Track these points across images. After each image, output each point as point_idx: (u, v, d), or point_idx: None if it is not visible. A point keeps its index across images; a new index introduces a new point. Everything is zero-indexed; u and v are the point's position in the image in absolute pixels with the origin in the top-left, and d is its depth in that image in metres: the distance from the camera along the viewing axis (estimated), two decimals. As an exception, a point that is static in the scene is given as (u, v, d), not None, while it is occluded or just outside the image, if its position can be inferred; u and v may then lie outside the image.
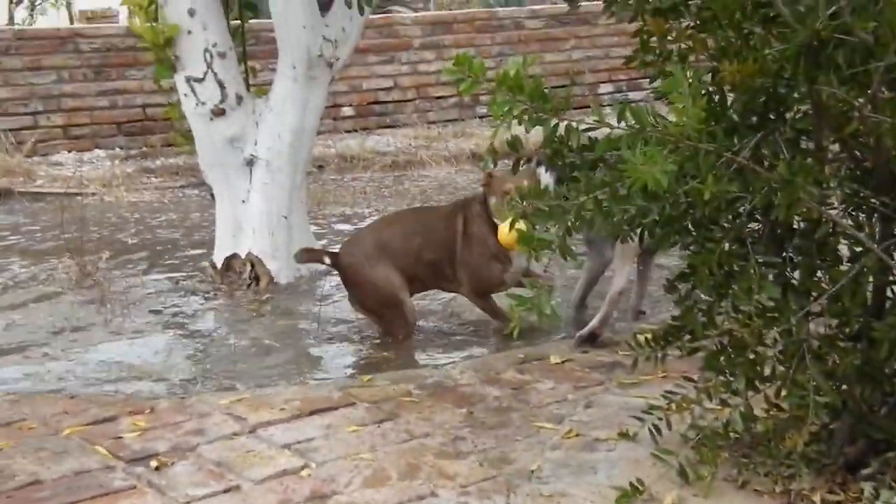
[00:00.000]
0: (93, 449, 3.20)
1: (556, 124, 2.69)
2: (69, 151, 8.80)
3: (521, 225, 2.79)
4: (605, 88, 11.03)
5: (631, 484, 2.76)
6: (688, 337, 3.00)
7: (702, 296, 2.89)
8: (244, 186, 5.33)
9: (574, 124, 2.74)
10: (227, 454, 3.16)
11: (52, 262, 5.64)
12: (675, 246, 2.97)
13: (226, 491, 2.94)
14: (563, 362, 3.84)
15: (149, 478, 3.02)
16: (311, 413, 3.44)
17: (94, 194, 7.45)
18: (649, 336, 3.15)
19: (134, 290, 5.21)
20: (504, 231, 3.86)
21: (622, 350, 3.62)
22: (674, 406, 2.95)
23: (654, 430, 2.98)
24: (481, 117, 10.31)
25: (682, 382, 3.04)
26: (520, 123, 2.63)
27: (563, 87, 3.16)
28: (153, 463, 3.10)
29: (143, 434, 3.30)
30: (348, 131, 9.62)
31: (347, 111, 10.05)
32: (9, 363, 4.22)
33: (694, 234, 2.87)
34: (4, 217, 6.98)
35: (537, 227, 2.71)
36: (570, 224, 2.67)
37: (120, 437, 3.28)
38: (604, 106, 3.10)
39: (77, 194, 7.26)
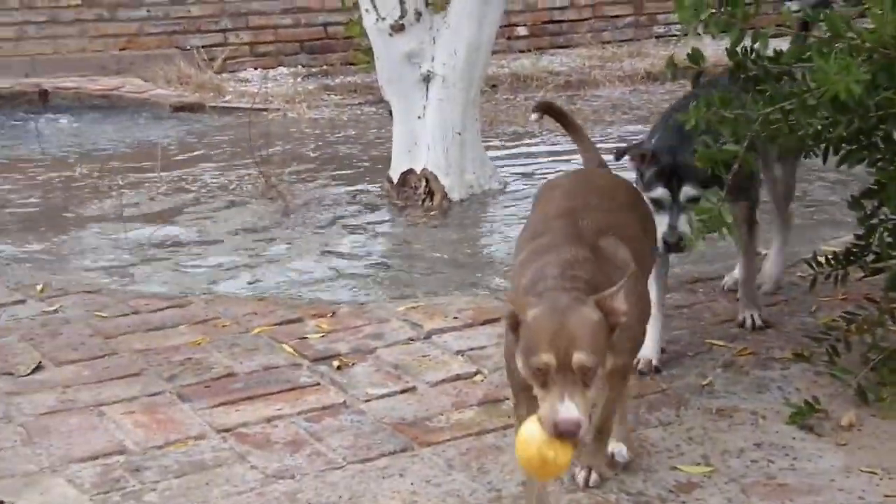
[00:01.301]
0: (280, 347, 3.40)
1: (743, 31, 2.61)
2: (255, 68, 9.13)
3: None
4: (792, 6, 10.54)
5: (806, 401, 2.73)
6: (871, 256, 2.92)
7: (889, 213, 2.79)
8: (420, 102, 5.42)
9: (764, 29, 2.65)
10: (403, 357, 3.30)
11: (240, 173, 5.92)
12: (862, 162, 2.86)
13: (402, 391, 3.07)
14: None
15: (331, 376, 3.19)
16: (484, 322, 3.53)
17: (277, 110, 7.72)
18: (830, 256, 3.08)
19: (315, 202, 5.42)
20: (528, 443, 2.08)
21: (801, 271, 3.54)
22: (854, 327, 2.89)
23: (831, 351, 2.93)
24: (657, 37, 10.04)
25: (864, 303, 2.96)
26: (707, 28, 2.57)
27: (750, 4, 3.00)
28: (335, 363, 3.27)
29: (325, 336, 3.48)
30: (522, 51, 9.57)
31: (522, 31, 9.98)
32: (202, 266, 4.50)
33: (883, 148, 2.76)
34: (197, 129, 7.33)
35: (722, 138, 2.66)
36: (754, 134, 2.61)
37: (305, 338, 3.47)
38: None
39: (262, 110, 7.55)
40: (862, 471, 2.50)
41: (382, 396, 3.04)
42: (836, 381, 2.85)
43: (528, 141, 6.76)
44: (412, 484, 2.56)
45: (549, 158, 6.21)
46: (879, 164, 2.80)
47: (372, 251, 4.67)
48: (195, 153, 6.66)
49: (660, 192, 3.03)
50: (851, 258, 2.98)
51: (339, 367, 3.24)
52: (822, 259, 3.07)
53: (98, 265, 4.52)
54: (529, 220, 2.66)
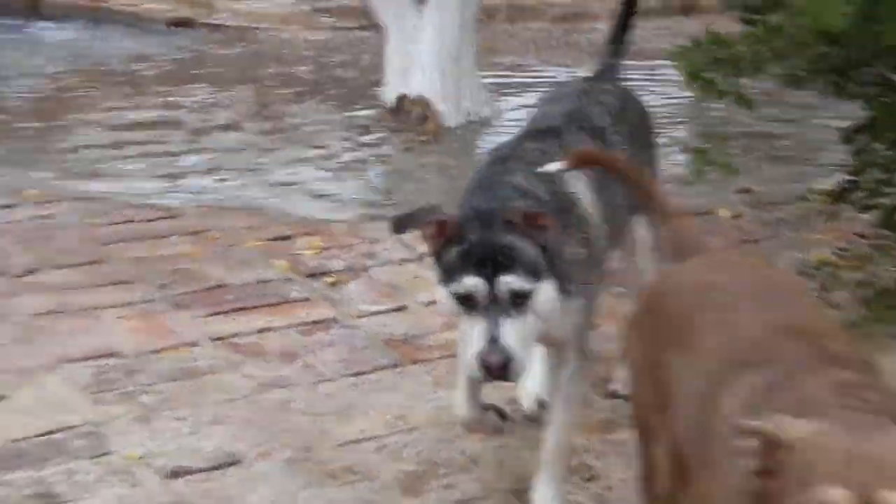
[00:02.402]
0: (272, 262, 3.41)
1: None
2: (249, -13, 8.98)
3: None
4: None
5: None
6: (863, 193, 2.94)
7: (882, 149, 2.81)
8: (415, 26, 5.37)
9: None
10: (396, 277, 3.32)
11: (234, 92, 5.87)
12: (855, 96, 2.87)
13: (394, 310, 3.10)
14: (732, 217, 3.80)
15: (323, 292, 3.21)
16: (476, 246, 3.54)
17: (270, 30, 7.62)
18: (822, 192, 3.11)
19: (308, 123, 5.39)
20: None
21: (796, 208, 3.56)
22: (845, 263, 2.92)
23: (823, 286, 2.95)
24: (658, -29, 9.93)
25: (855, 240, 2.99)
26: None
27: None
28: (328, 279, 3.28)
29: (319, 253, 3.49)
30: (520, -20, 9.46)
31: (521, -40, 9.86)
32: (197, 179, 4.48)
33: (876, 83, 2.77)
34: (190, 46, 7.22)
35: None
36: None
37: (297, 254, 3.48)
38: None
39: (255, 29, 7.45)
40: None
41: (374, 313, 3.08)
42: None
43: (524, 71, 6.71)
44: (403, 398, 2.60)
45: (547, 89, 6.16)
46: (873, 98, 2.81)
47: (365, 173, 4.67)
48: (188, 70, 6.59)
49: (469, 283, 1.97)
50: (843, 195, 3.00)
51: (332, 284, 3.26)
52: (814, 197, 3.09)
53: (93, 174, 4.50)
54: (679, 354, 1.66)
